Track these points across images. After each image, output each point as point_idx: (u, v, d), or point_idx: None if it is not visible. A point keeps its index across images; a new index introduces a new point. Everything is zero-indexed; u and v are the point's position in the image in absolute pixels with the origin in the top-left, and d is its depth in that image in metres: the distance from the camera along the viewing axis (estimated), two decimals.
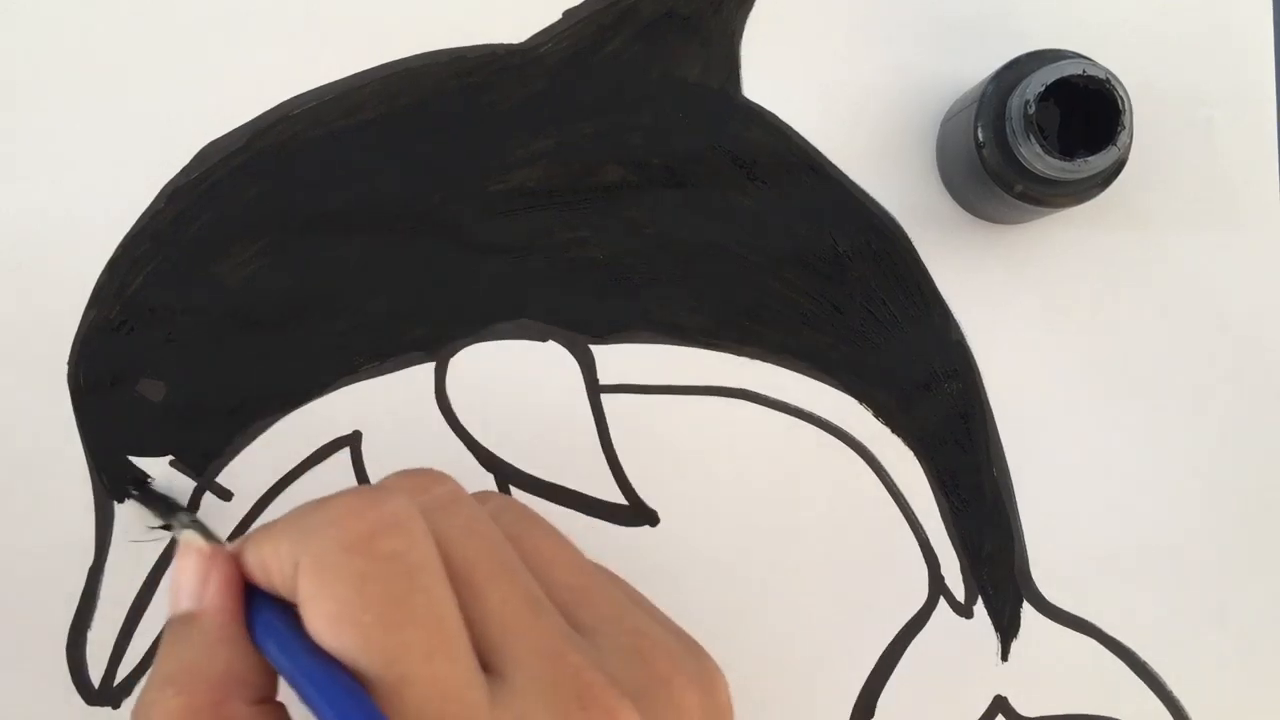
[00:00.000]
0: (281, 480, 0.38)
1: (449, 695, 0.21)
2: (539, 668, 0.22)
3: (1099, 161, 0.33)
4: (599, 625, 0.24)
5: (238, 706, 0.22)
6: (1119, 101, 0.32)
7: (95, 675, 0.37)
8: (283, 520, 0.23)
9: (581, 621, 0.24)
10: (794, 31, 0.39)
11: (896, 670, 0.38)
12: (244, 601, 0.23)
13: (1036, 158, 0.33)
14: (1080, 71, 0.32)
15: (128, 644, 0.37)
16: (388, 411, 0.38)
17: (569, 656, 0.22)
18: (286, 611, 0.22)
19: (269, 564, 0.22)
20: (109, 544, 0.37)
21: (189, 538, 0.24)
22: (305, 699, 0.21)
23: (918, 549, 0.38)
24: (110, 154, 0.38)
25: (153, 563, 0.37)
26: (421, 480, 0.25)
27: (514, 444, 0.38)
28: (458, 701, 0.21)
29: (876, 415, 0.38)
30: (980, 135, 0.34)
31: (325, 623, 0.21)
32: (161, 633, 0.24)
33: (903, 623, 0.38)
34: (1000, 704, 0.37)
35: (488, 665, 0.22)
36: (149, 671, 0.23)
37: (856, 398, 0.38)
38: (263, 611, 0.23)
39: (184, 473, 0.37)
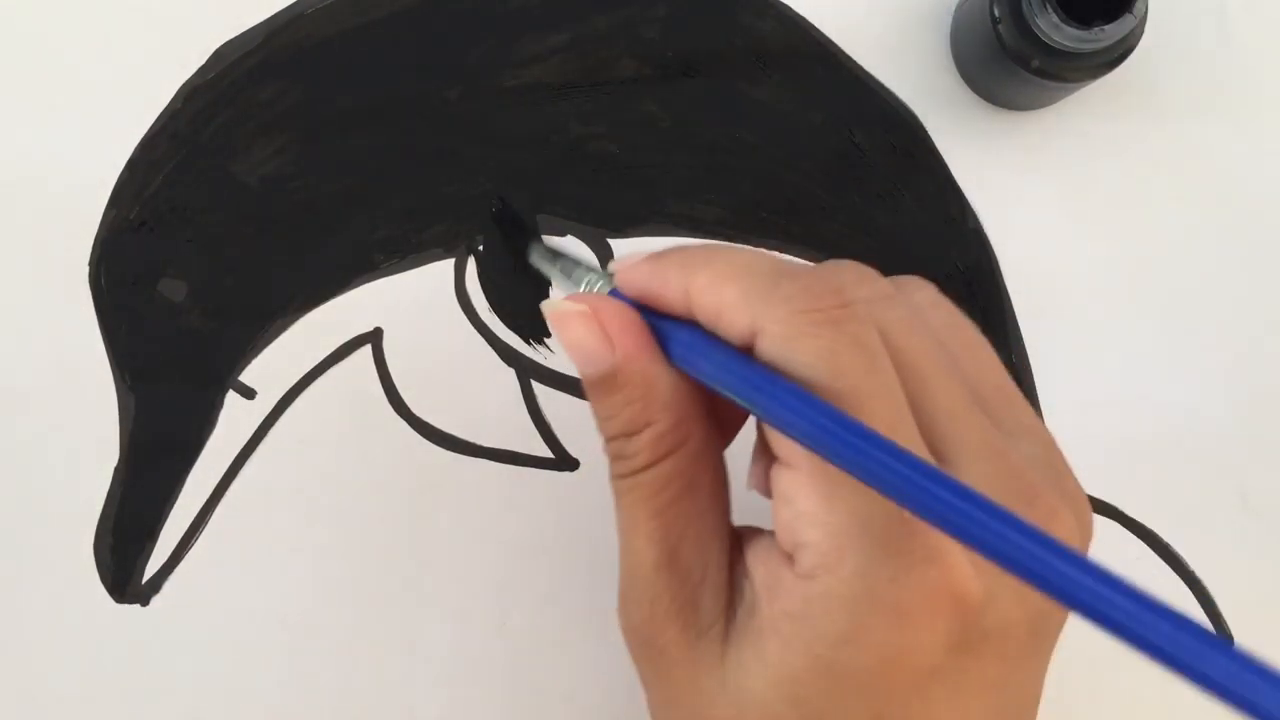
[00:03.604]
0: (304, 378, 0.38)
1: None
2: (986, 462, 0.22)
3: (1116, 30, 0.33)
4: (1019, 432, 0.24)
5: (693, 426, 0.24)
6: None
7: (122, 573, 0.37)
8: (728, 264, 0.23)
9: (1004, 425, 0.24)
10: None
11: None
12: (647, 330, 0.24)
13: (1054, 28, 0.33)
14: None
15: (155, 542, 0.37)
16: (408, 308, 0.38)
17: (1010, 455, 0.22)
18: (711, 347, 0.23)
19: (709, 308, 0.23)
20: (133, 442, 0.37)
21: (562, 306, 0.24)
22: (758, 405, 0.21)
23: None
24: (128, 54, 0.38)
25: (174, 461, 0.38)
26: (859, 273, 0.24)
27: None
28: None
29: None
30: (996, 10, 0.34)
31: None
32: (591, 397, 0.24)
33: None
34: None
35: (931, 453, 0.22)
36: (598, 424, 0.24)
37: None
38: (689, 341, 0.23)
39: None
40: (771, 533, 0.23)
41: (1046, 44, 0.34)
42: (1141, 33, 0.34)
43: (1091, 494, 0.38)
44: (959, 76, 0.39)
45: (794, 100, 0.38)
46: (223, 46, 0.38)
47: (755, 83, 0.38)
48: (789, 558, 0.22)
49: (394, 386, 0.38)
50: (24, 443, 0.38)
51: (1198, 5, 0.39)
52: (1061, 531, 0.22)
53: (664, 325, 0.24)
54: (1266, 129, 0.39)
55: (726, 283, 0.22)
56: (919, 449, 0.21)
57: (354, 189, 0.38)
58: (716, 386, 0.22)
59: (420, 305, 0.38)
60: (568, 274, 0.30)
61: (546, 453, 0.38)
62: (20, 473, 0.38)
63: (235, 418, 0.38)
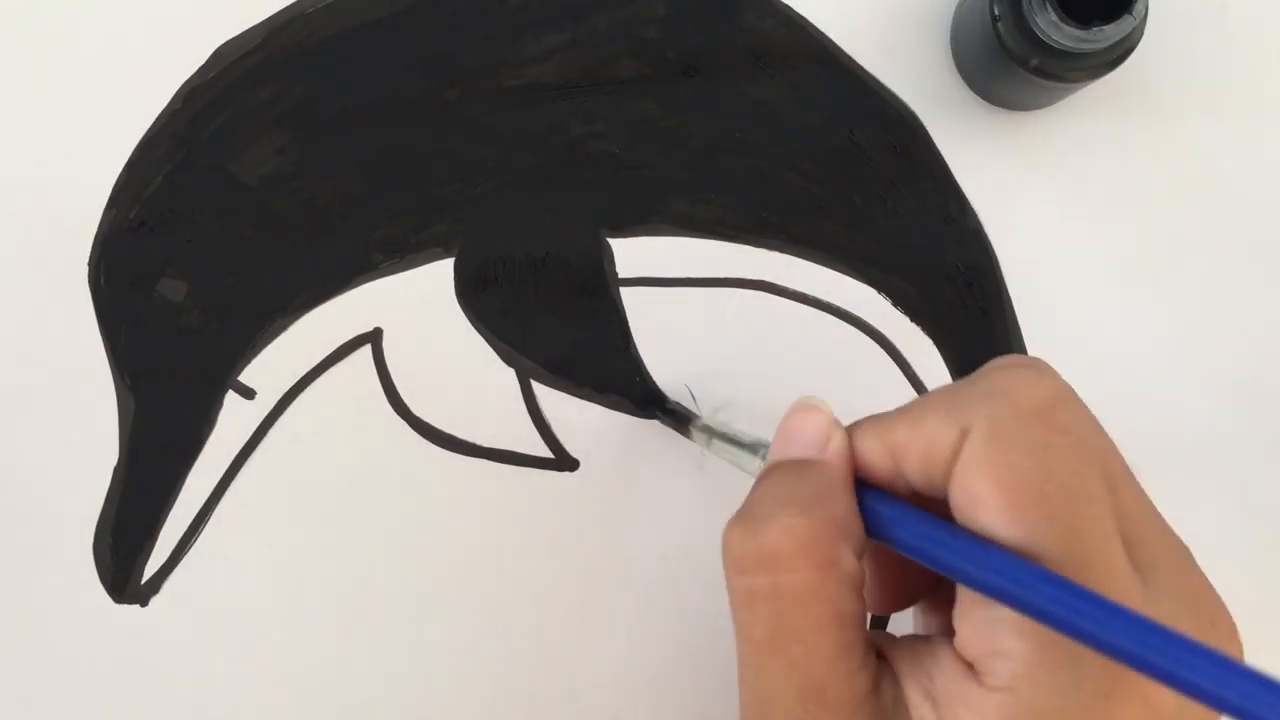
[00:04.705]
0: (304, 378, 0.38)
1: (1118, 580, 0.20)
2: (1175, 574, 0.21)
3: (1115, 31, 0.33)
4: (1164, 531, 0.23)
5: (848, 550, 0.21)
6: None
7: (121, 573, 0.37)
8: (917, 406, 0.22)
9: (1170, 540, 0.23)
10: None
11: None
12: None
13: (1053, 27, 0.33)
14: None
15: (154, 542, 0.37)
16: (408, 308, 0.38)
17: (1187, 565, 0.21)
18: (911, 509, 0.22)
19: (904, 444, 0.22)
20: (132, 442, 0.37)
21: (814, 400, 0.24)
22: (975, 582, 0.20)
23: None
24: (128, 54, 0.38)
25: (173, 461, 0.37)
26: (1038, 360, 0.23)
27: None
28: (1125, 587, 0.20)
29: (895, 305, 0.38)
30: (996, 9, 0.34)
31: (996, 489, 0.20)
32: (764, 473, 0.24)
33: None
34: None
35: (1131, 562, 0.21)
36: (753, 494, 0.23)
37: (876, 288, 0.38)
38: (881, 499, 0.22)
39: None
40: (921, 639, 0.22)
41: (1046, 44, 0.34)
42: (1141, 33, 0.34)
43: None
44: (959, 76, 0.39)
45: (794, 100, 0.38)
46: (222, 46, 0.38)
47: (755, 82, 0.38)
48: (968, 668, 0.21)
49: (394, 386, 0.38)
50: (24, 442, 0.38)
51: (1197, 6, 0.39)
52: (1238, 641, 0.22)
53: (865, 494, 0.23)
54: (1266, 129, 0.39)
55: (926, 414, 0.22)
56: (1124, 560, 0.20)
57: (354, 189, 0.38)
58: (905, 545, 0.22)
59: (420, 305, 0.38)
60: (735, 450, 0.29)
61: (546, 453, 0.38)
62: (20, 472, 0.38)
63: (235, 418, 0.38)
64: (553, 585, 0.37)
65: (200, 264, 0.38)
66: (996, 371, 0.22)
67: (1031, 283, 0.38)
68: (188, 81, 0.38)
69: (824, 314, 0.38)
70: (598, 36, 0.38)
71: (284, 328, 0.38)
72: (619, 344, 0.38)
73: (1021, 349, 0.38)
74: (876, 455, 0.23)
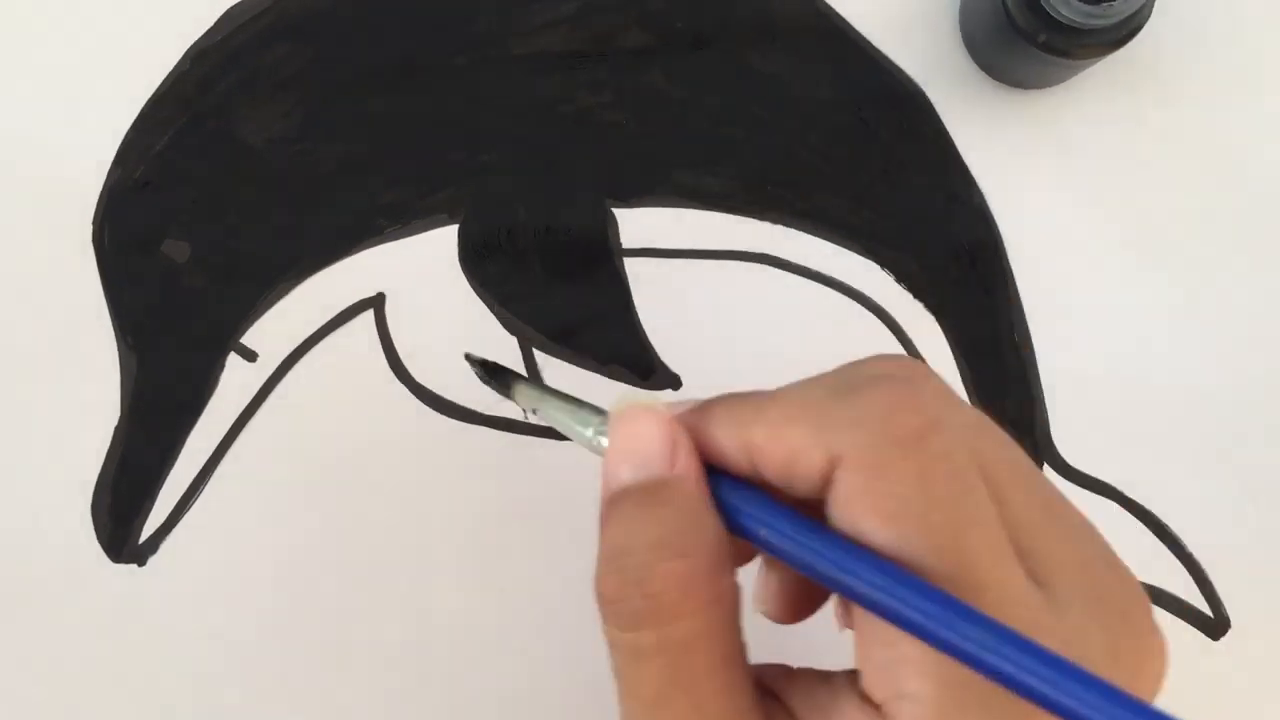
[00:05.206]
0: (306, 341, 0.38)
1: (1017, 601, 0.19)
2: (1075, 579, 0.20)
3: (1124, 6, 0.33)
4: (1079, 535, 0.21)
5: (727, 577, 0.20)
6: None
7: (119, 533, 0.37)
8: (780, 404, 0.21)
9: (1065, 525, 0.21)
10: None
11: None
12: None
13: (1062, 3, 0.33)
14: None
15: (153, 502, 0.37)
16: (411, 274, 0.38)
17: (1093, 566, 0.20)
18: (754, 489, 0.21)
19: (767, 449, 0.20)
20: (134, 402, 0.37)
21: (642, 400, 0.22)
22: (866, 601, 0.19)
23: None
24: (137, 14, 0.38)
25: (174, 422, 0.37)
26: (911, 368, 0.22)
27: None
28: (1025, 607, 0.19)
29: (899, 280, 0.38)
30: None
31: (881, 521, 0.19)
32: (614, 502, 0.21)
33: None
34: None
35: (1027, 573, 0.20)
36: (613, 536, 0.21)
37: (879, 263, 0.38)
38: (738, 490, 0.21)
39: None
40: (814, 674, 0.21)
41: (1055, 19, 0.34)
42: (1150, 10, 0.34)
43: (1091, 473, 0.38)
44: (967, 54, 0.39)
45: (802, 75, 0.38)
46: (231, 8, 0.38)
47: (764, 56, 0.38)
48: (876, 710, 0.19)
49: (395, 352, 0.38)
50: (25, 401, 0.38)
51: None
52: (1159, 643, 0.20)
53: (717, 483, 0.21)
54: (1273, 108, 0.39)
55: (790, 425, 0.20)
56: (1020, 577, 0.19)
57: (359, 154, 0.38)
58: (784, 555, 0.20)
59: (423, 271, 0.38)
60: (565, 416, 0.25)
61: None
62: (20, 431, 0.38)
63: (236, 380, 0.38)
64: (553, 552, 0.37)
65: (204, 225, 0.38)
66: (867, 389, 0.20)
67: (1035, 261, 0.38)
68: (196, 43, 0.38)
69: (826, 288, 0.38)
70: (607, 7, 0.38)
71: (287, 291, 0.38)
72: (621, 314, 0.38)
73: (1024, 327, 0.38)
74: (730, 449, 0.21)
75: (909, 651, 0.19)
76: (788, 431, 0.20)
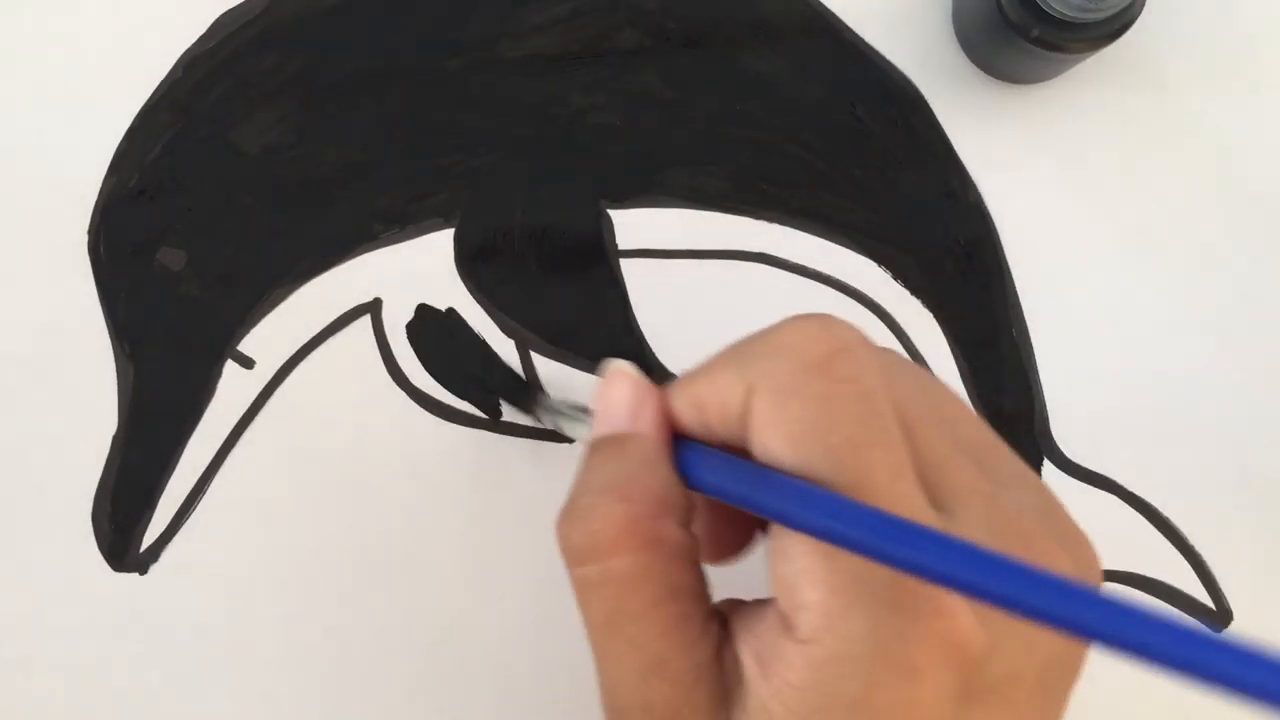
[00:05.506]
0: (303, 348, 0.38)
1: (913, 516, 0.20)
2: (979, 508, 0.21)
3: (1116, 0, 0.33)
4: (1012, 481, 0.23)
5: (671, 524, 0.22)
6: None
7: (120, 542, 0.37)
8: (715, 359, 0.22)
9: (996, 475, 0.23)
10: None
11: None
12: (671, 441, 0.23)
13: None
14: None
15: (153, 510, 0.37)
16: (408, 278, 0.38)
17: (1003, 501, 0.21)
18: (716, 453, 0.22)
19: (705, 399, 0.22)
20: (132, 410, 0.37)
21: (620, 365, 0.24)
22: (774, 513, 0.20)
23: None
24: (129, 23, 0.38)
25: (173, 429, 0.37)
26: (830, 316, 0.23)
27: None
28: (916, 516, 0.20)
29: (896, 278, 0.38)
30: None
31: (787, 444, 0.20)
32: (585, 454, 0.23)
33: None
34: None
35: (929, 500, 0.21)
36: (576, 481, 0.23)
37: (876, 260, 0.38)
38: (692, 450, 0.23)
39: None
40: (756, 602, 0.23)
41: (1047, 13, 0.34)
42: (1143, 5, 0.34)
43: (1090, 467, 0.38)
44: (960, 50, 0.39)
45: (795, 73, 0.38)
46: (223, 15, 0.38)
47: (757, 55, 0.38)
48: (786, 623, 0.21)
49: (393, 357, 0.38)
50: (23, 411, 0.38)
51: None
52: (1059, 570, 0.21)
53: (680, 449, 0.23)
54: (1267, 103, 0.39)
55: (718, 370, 0.22)
56: (918, 496, 0.20)
57: (354, 159, 0.38)
58: (714, 490, 0.22)
59: (420, 275, 0.38)
60: (566, 419, 0.29)
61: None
62: (19, 441, 0.38)
63: (234, 387, 0.38)
64: (550, 554, 0.37)
65: (200, 233, 0.38)
66: (783, 326, 0.22)
67: (1032, 256, 0.38)
68: (188, 50, 0.38)
69: (823, 286, 0.38)
70: (599, 8, 0.38)
71: (283, 297, 0.38)
72: (618, 315, 0.38)
73: (1021, 322, 0.38)
74: (686, 411, 0.23)
75: (803, 564, 0.20)
76: (718, 374, 0.22)
